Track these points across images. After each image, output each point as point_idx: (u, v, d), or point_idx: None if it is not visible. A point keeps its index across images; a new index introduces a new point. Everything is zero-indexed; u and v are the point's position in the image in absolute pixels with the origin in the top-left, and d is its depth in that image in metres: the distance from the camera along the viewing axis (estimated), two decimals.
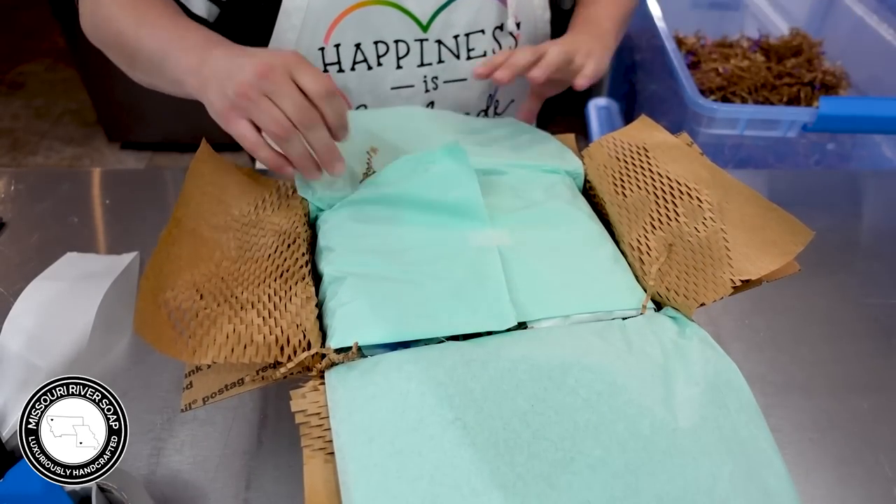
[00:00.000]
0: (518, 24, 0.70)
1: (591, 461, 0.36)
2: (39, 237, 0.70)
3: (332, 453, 0.37)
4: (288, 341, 0.42)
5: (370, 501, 0.35)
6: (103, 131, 2.14)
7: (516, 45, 0.72)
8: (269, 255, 0.48)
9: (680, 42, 1.34)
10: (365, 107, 0.72)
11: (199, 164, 0.52)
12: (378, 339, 0.42)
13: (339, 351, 0.42)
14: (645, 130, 0.57)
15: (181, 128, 1.96)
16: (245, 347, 0.40)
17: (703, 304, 0.44)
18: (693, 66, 1.28)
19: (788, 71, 1.22)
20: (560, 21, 0.73)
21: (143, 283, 0.40)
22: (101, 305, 0.56)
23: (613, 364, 0.40)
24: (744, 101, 1.19)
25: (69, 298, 0.57)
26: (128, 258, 0.64)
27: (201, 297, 0.42)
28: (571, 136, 0.66)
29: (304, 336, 0.42)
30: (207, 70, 0.50)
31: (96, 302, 0.56)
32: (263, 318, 0.43)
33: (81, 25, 0.64)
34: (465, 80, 0.73)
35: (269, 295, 0.45)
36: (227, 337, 0.40)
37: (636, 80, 1.54)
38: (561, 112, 1.15)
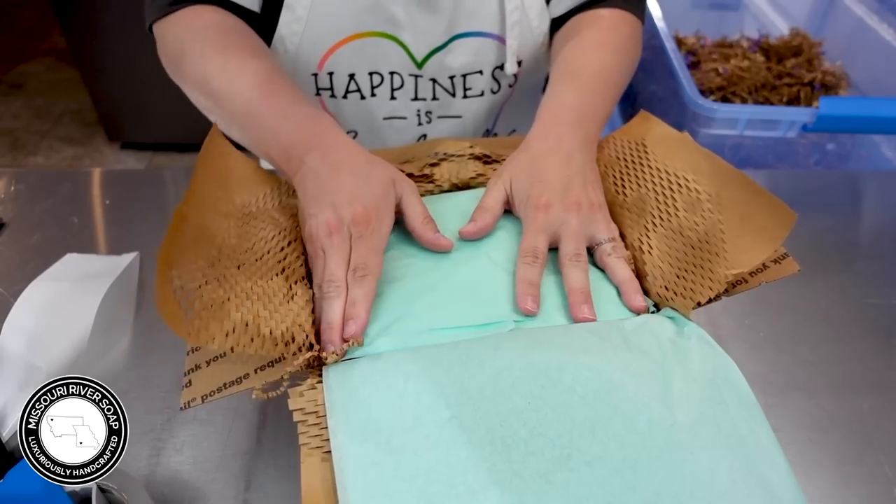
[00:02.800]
0: (519, 63, 0.67)
1: (589, 458, 0.36)
2: (39, 237, 0.70)
3: (330, 452, 0.37)
4: (293, 338, 0.42)
5: (366, 500, 0.35)
6: (103, 131, 2.14)
7: (516, 81, 0.70)
8: (270, 250, 0.48)
9: (680, 42, 1.34)
10: (355, 133, 0.71)
11: (211, 145, 0.51)
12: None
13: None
14: (644, 125, 0.58)
15: (181, 128, 1.96)
16: (252, 339, 0.40)
17: (699, 304, 0.44)
18: (693, 66, 1.28)
19: (788, 71, 1.21)
20: None
21: (159, 259, 0.40)
22: (101, 306, 0.56)
23: (611, 362, 0.40)
24: (744, 101, 1.19)
25: (69, 299, 0.57)
26: (128, 258, 0.64)
27: (206, 281, 0.42)
28: None
29: (307, 337, 0.42)
30: (300, 175, 0.49)
31: (96, 302, 0.56)
32: (269, 311, 0.43)
33: (161, 59, 0.60)
34: (459, 117, 0.71)
35: (273, 290, 0.45)
36: (235, 326, 0.40)
37: (636, 80, 1.52)
38: None
